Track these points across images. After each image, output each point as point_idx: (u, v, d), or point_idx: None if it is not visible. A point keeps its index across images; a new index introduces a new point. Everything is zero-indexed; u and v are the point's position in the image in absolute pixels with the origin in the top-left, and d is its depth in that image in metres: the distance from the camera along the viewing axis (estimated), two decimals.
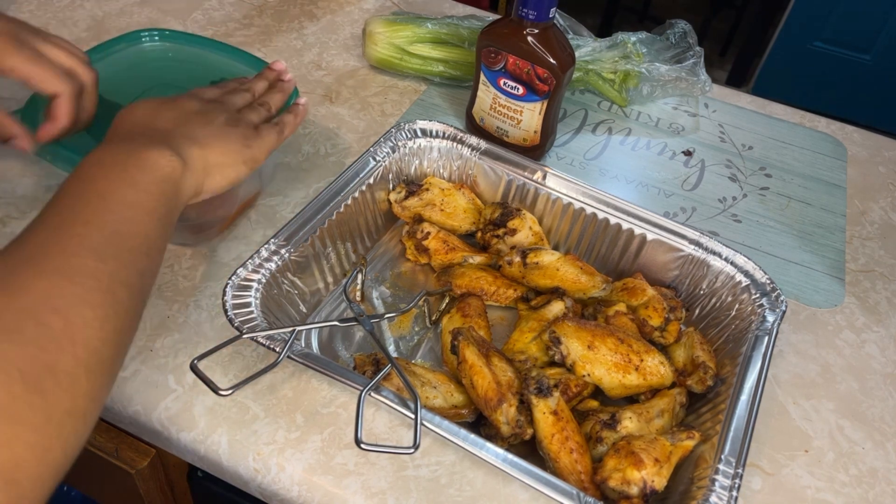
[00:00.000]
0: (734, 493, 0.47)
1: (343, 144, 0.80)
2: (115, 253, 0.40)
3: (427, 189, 0.70)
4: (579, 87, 0.93)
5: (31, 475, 0.32)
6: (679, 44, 0.91)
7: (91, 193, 0.42)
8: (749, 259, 0.63)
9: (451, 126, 0.72)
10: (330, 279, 0.65)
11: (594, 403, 0.57)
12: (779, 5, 2.41)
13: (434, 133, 0.72)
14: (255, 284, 0.56)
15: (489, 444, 0.48)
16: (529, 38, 0.71)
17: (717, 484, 0.48)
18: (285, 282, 0.59)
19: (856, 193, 0.85)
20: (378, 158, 0.68)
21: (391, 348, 0.62)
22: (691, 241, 0.65)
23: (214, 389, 0.49)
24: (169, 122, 0.51)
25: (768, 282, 0.62)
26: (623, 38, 0.89)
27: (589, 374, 0.56)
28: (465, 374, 0.54)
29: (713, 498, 0.47)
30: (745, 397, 0.54)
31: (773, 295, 0.61)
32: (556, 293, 0.63)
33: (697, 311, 0.65)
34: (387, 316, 0.62)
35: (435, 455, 0.53)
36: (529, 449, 0.54)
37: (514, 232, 0.67)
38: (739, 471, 0.49)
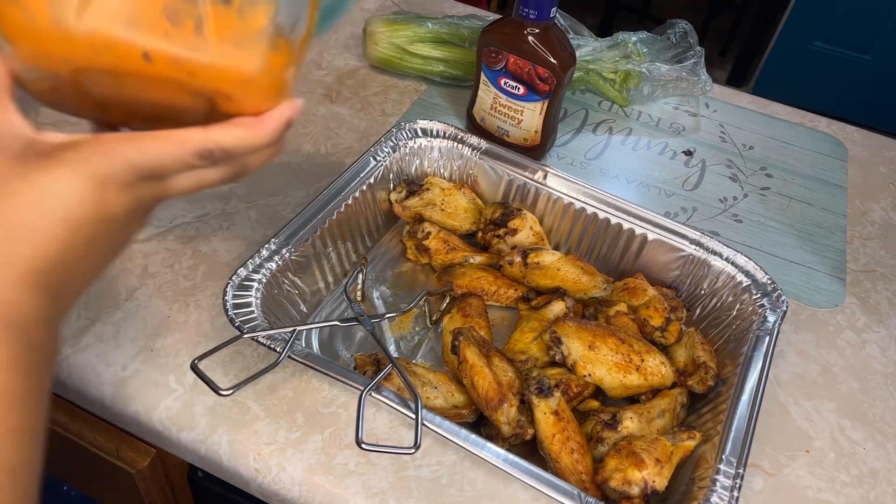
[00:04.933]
0: (735, 494, 0.47)
1: (343, 144, 0.80)
2: None
3: (428, 189, 0.70)
4: (580, 86, 0.93)
5: None
6: (680, 43, 0.91)
7: None
8: (750, 259, 0.63)
9: (452, 126, 0.71)
10: (330, 279, 0.65)
11: (595, 403, 0.57)
12: (779, 5, 2.42)
13: (434, 133, 0.72)
14: (255, 284, 0.56)
15: (490, 445, 0.48)
16: (530, 38, 0.70)
17: (718, 484, 0.48)
18: (286, 281, 0.59)
19: (856, 193, 0.85)
20: (378, 158, 0.68)
21: (392, 348, 0.62)
22: (692, 241, 0.65)
23: (215, 389, 0.49)
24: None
25: (769, 282, 0.62)
26: (624, 38, 0.89)
27: (590, 375, 0.56)
28: (466, 374, 0.54)
29: (714, 498, 0.47)
30: (746, 397, 0.54)
31: (774, 295, 0.61)
32: (557, 293, 0.63)
33: (698, 311, 0.65)
34: (387, 316, 0.62)
35: (436, 455, 0.53)
36: (530, 449, 0.54)
37: (514, 232, 0.67)
38: (740, 471, 0.49)
